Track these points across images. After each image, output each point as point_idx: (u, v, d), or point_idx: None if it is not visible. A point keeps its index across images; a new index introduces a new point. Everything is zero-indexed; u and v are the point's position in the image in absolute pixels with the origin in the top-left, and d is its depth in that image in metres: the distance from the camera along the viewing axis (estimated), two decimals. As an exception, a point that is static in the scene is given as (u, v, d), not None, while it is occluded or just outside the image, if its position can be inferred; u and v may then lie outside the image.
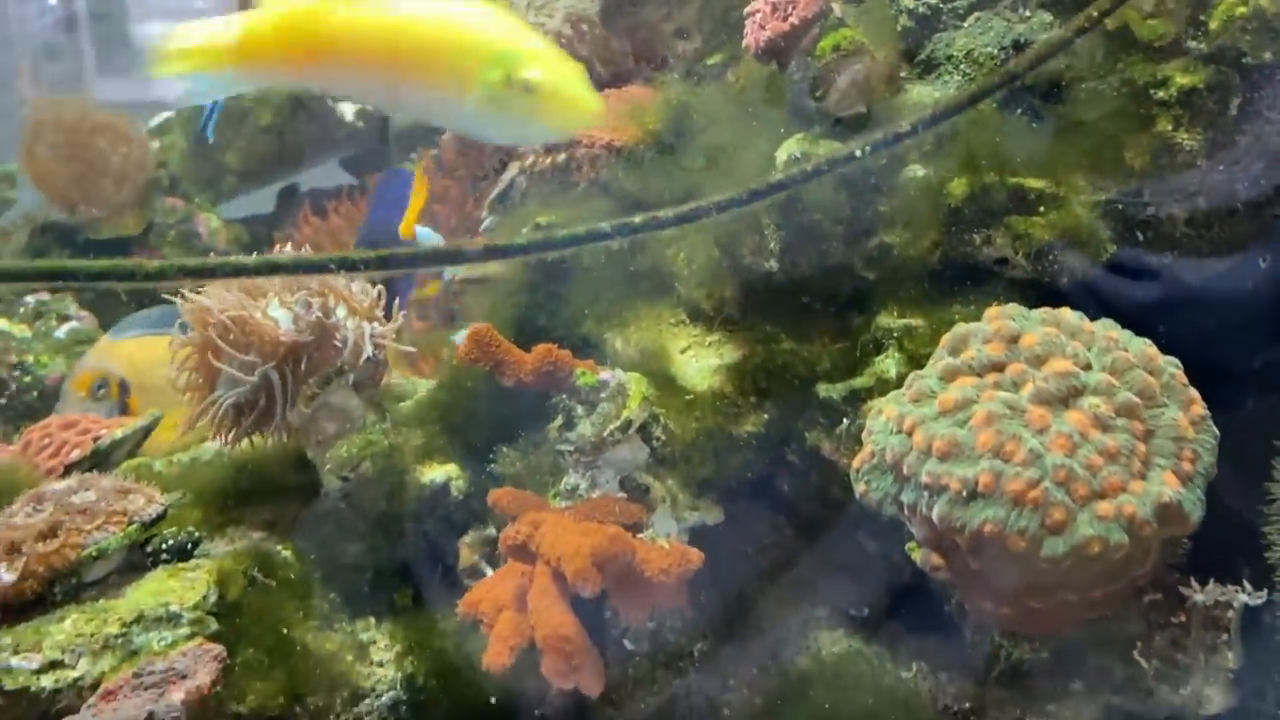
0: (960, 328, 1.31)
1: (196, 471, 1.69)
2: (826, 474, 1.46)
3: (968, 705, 1.41)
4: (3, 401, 2.56)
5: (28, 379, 2.60)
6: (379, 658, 1.44)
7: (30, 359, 2.64)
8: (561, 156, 2.04)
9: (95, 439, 1.86)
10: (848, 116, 1.52)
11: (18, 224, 2.93)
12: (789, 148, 1.49)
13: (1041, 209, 1.41)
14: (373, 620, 1.47)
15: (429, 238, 2.06)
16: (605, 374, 1.37)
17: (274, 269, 1.12)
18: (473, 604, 1.22)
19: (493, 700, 1.41)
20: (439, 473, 1.59)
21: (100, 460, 1.77)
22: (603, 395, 1.36)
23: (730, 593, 1.49)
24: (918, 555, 1.28)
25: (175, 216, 3.10)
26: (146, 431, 1.89)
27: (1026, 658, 1.34)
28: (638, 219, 1.05)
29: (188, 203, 3.15)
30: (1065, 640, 1.35)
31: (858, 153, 1.15)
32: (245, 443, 1.63)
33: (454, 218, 2.55)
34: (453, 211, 2.57)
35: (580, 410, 1.37)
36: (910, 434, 1.25)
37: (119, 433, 1.87)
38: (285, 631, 1.38)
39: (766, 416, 1.46)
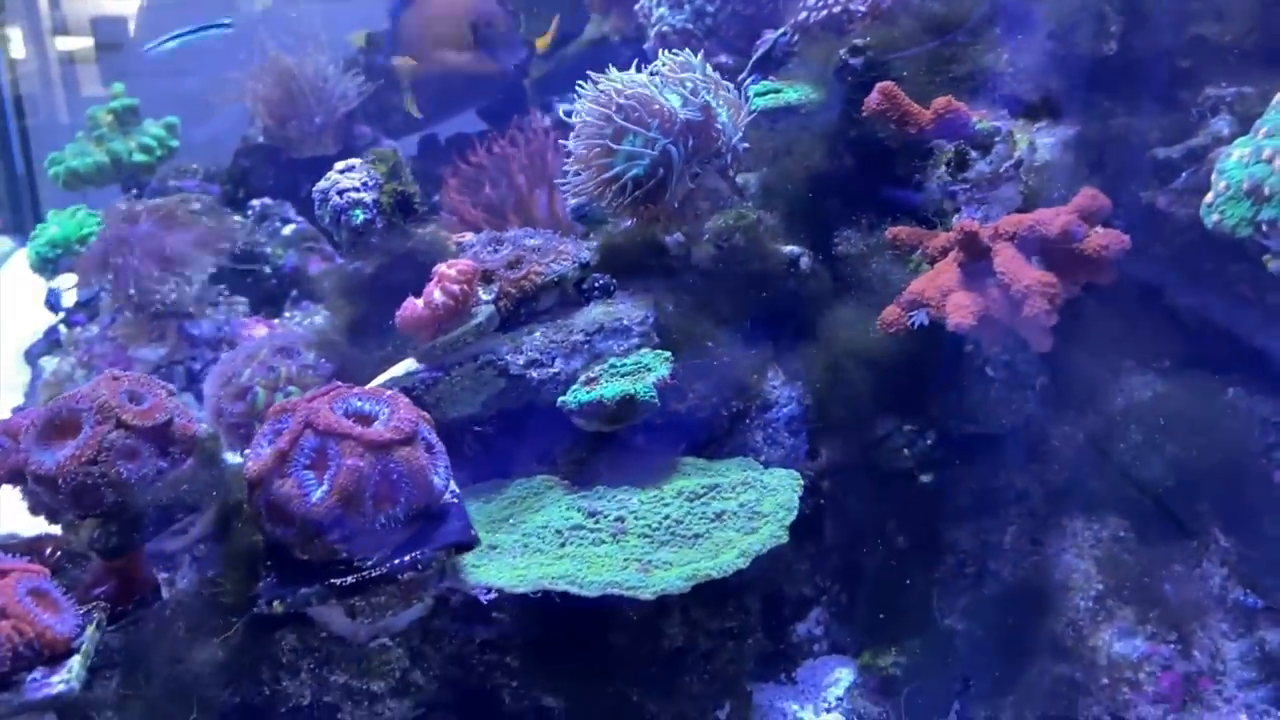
0: (1303, 77, 1.53)
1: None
2: (1151, 229, 1.68)
3: (1286, 415, 1.63)
4: (266, 274, 2.91)
5: (269, 268, 2.96)
6: (777, 380, 1.69)
7: (269, 251, 2.99)
8: (838, 8, 2.28)
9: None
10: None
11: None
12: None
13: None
14: (765, 353, 1.72)
15: None
16: (998, 121, 1.60)
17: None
18: (917, 293, 1.44)
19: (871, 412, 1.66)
20: (792, 247, 1.83)
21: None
22: (997, 139, 1.58)
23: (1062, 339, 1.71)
24: (1272, 265, 1.51)
25: (364, 141, 3.39)
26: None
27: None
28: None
29: (373, 129, 3.47)
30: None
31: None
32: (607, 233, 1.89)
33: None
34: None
35: (974, 154, 1.60)
36: (1270, 161, 1.48)
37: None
38: (709, 344, 1.63)
39: (1100, 179, 1.68)
